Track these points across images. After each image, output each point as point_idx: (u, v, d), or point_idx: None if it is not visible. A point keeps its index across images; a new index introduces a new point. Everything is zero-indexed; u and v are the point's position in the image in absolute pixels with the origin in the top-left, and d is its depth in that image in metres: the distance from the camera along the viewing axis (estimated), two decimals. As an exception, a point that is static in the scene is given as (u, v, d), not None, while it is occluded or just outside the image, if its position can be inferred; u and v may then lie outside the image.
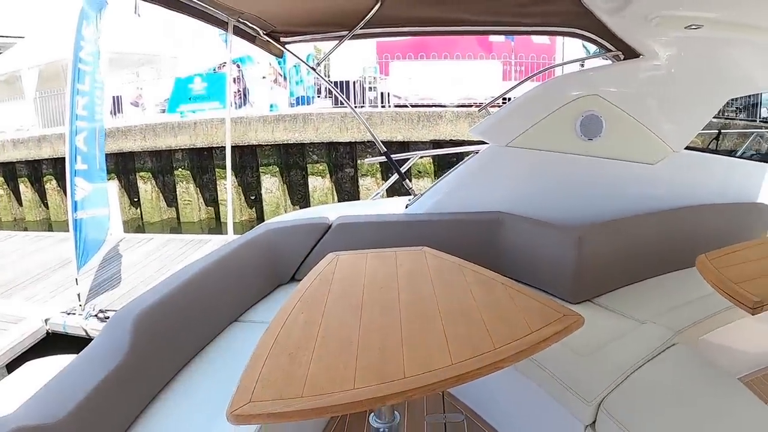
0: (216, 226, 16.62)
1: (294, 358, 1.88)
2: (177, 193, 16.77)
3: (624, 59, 4.01)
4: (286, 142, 15.52)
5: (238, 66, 18.10)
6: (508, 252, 4.01)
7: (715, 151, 7.93)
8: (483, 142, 4.26)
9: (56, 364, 2.54)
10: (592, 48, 4.49)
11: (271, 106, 18.31)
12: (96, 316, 6.93)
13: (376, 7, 3.58)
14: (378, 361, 1.85)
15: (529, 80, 5.87)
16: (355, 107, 16.27)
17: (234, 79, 17.77)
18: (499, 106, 4.63)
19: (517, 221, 4.03)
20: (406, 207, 4.42)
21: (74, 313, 7.07)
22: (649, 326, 3.24)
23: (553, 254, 3.77)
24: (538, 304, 2.29)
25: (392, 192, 5.21)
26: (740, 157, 6.80)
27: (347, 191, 16.25)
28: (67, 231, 7.69)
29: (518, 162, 4.11)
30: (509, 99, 4.85)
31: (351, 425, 3.33)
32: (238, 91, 18.33)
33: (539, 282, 3.69)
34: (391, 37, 4.35)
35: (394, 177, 4.90)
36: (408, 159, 5.04)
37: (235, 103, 17.90)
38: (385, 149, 4.67)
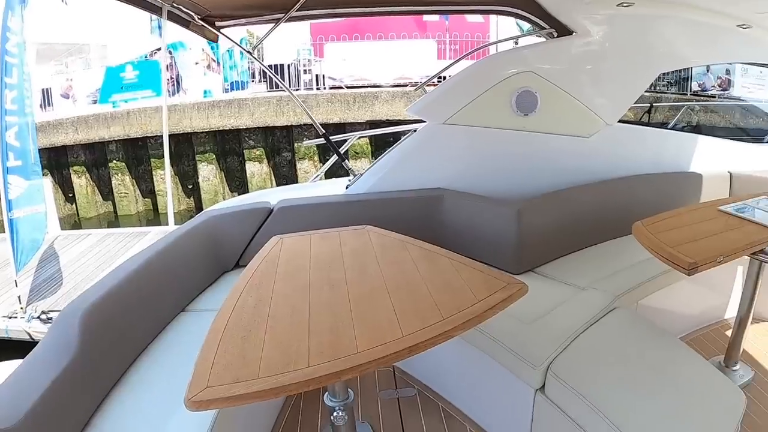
0: (154, 217, 16.32)
1: (247, 340, 1.89)
2: (112, 186, 16.37)
3: (557, 37, 4.10)
4: (221, 128, 15.33)
5: (171, 52, 17.73)
6: (450, 227, 4.08)
7: (648, 124, 8.17)
8: (420, 121, 4.31)
9: (2, 370, 2.47)
10: (526, 26, 4.56)
11: (205, 92, 18.04)
12: (39, 318, 6.71)
13: None
14: (330, 338, 1.87)
15: (465, 58, 5.94)
16: (291, 90, 16.14)
17: (167, 66, 17.39)
18: (435, 85, 4.67)
19: (458, 197, 4.10)
20: (347, 188, 4.43)
21: (16, 317, 6.83)
22: (590, 292, 3.37)
23: (495, 228, 3.86)
24: (482, 274, 2.36)
25: (330, 174, 5.22)
26: (672, 129, 7.04)
27: (285, 175, 16.16)
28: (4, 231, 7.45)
29: (456, 139, 4.18)
30: (445, 78, 4.88)
31: (306, 406, 3.36)
32: (171, 78, 17.96)
33: (482, 255, 3.76)
34: (327, 18, 4.32)
35: (334, 158, 4.91)
36: (346, 140, 5.05)
37: (169, 90, 17.54)
38: (324, 131, 4.66)
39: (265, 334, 1.92)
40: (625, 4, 3.84)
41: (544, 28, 4.13)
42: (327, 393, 2.31)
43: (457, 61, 5.41)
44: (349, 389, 2.34)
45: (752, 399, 3.35)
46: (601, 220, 4.28)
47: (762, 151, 5.44)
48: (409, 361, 1.85)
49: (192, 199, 16.51)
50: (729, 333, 3.75)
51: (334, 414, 2.31)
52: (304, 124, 15.11)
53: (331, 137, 4.72)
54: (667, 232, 3.14)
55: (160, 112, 14.49)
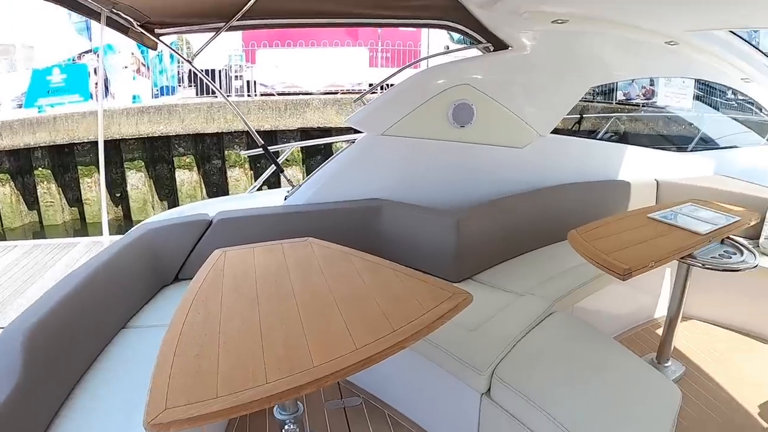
0: (82, 227, 15.81)
1: (201, 357, 1.87)
2: (38, 194, 15.80)
3: (494, 50, 4.22)
4: (151, 135, 14.97)
5: (98, 55, 17.26)
6: (388, 237, 4.13)
7: (578, 133, 8.45)
8: (354, 130, 4.37)
9: None
10: (458, 36, 4.67)
11: (134, 97, 17.60)
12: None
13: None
14: (285, 352, 1.89)
15: (408, 68, 6.01)
16: (221, 91, 15.93)
17: (94, 70, 16.95)
18: (375, 93, 4.74)
19: (396, 207, 4.16)
20: (285, 199, 4.42)
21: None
22: (529, 298, 3.49)
23: (434, 237, 3.94)
24: (426, 285, 2.44)
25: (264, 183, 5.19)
26: (600, 138, 7.30)
27: (216, 183, 15.93)
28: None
29: (394, 150, 4.25)
30: (385, 87, 4.96)
31: (253, 420, 3.34)
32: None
33: (422, 264, 3.84)
34: (267, 28, 4.33)
35: (271, 169, 4.89)
36: (283, 150, 5.04)
37: (96, 94, 17.08)
38: (263, 141, 4.65)
39: (218, 351, 1.91)
40: (559, 21, 4.00)
41: (481, 42, 4.23)
42: (276, 407, 2.31)
43: (400, 71, 5.47)
44: (297, 401, 2.35)
45: (685, 393, 3.52)
46: (536, 228, 4.43)
47: (686, 159, 5.74)
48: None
49: (120, 207, 16.08)
50: (660, 331, 3.95)
51: (285, 427, 2.31)
52: (235, 132, 14.94)
53: (269, 147, 4.71)
54: (601, 239, 3.29)
55: (87, 118, 14.11)
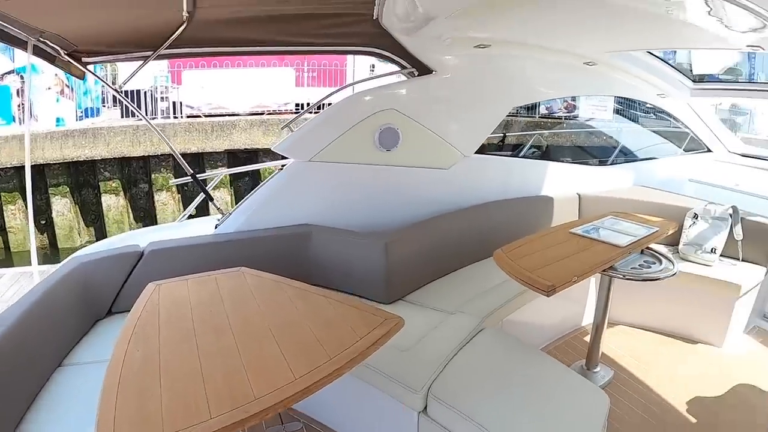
0: (6, 257, 15.25)
1: (143, 395, 1.89)
2: (-42, 223, 15.24)
3: (418, 75, 4.34)
4: (76, 159, 14.59)
5: (21, 76, 16.74)
6: (320, 262, 4.16)
7: (503, 150, 8.67)
8: (284, 157, 4.41)
9: None
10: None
11: (58, 119, 17.10)
12: None
13: (182, 28, 3.61)
14: (225, 386, 1.93)
15: (329, 94, 6.07)
16: (148, 119, 15.65)
17: (17, 91, 16.42)
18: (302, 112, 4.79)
19: (326, 232, 4.21)
20: (216, 227, 4.40)
21: None
22: (459, 316, 3.61)
23: (363, 261, 4.01)
24: (358, 311, 2.53)
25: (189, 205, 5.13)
26: (524, 155, 7.53)
27: (143, 208, 15.62)
28: None
29: (322, 175, 4.31)
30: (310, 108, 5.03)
31: None
32: (22, 104, 16.95)
33: (353, 287, 3.91)
34: (196, 56, 4.33)
35: (200, 198, 4.86)
36: (213, 178, 5.01)
37: (19, 118, 16.53)
38: (192, 171, 4.61)
39: (161, 388, 1.93)
40: (482, 46, 4.16)
41: (406, 67, 4.35)
42: None
43: (329, 96, 5.54)
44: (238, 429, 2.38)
45: (616, 396, 3.75)
46: (463, 246, 4.56)
47: (606, 172, 5.99)
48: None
49: (46, 235, 15.58)
50: (587, 338, 4.11)
51: None
52: (162, 155, 14.70)
53: (197, 173, 4.68)
54: (526, 257, 3.43)
55: (10, 142, 13.67)
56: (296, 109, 17.53)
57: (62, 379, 3.04)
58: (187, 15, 3.49)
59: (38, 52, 3.71)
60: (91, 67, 4.17)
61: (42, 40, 3.58)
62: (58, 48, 3.79)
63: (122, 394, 1.90)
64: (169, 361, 2.13)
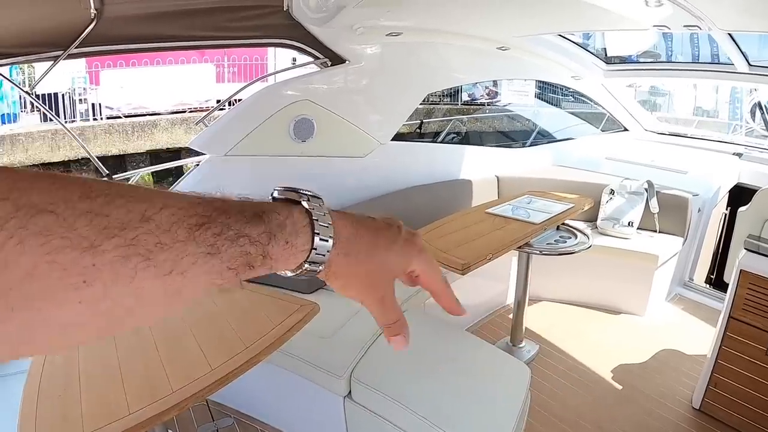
0: None
1: (64, 399, 1.88)
2: None
3: (331, 65, 4.35)
4: (-8, 168, 14.12)
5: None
6: None
7: (423, 138, 8.76)
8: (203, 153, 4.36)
9: None
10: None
11: (-29, 128, 16.51)
12: None
13: (92, 26, 3.52)
14: (144, 382, 1.93)
15: (245, 85, 6.04)
16: (67, 121, 15.16)
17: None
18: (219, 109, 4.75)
19: None
20: None
21: None
22: None
23: None
24: (274, 299, 2.55)
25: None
26: (442, 141, 7.62)
27: (66, 214, 15.22)
28: None
29: (239, 170, 4.28)
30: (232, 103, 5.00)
31: None
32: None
33: (274, 280, 3.91)
34: (109, 54, 4.23)
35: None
36: (129, 178, 4.94)
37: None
38: (107, 171, 4.52)
39: (80, 390, 1.92)
40: (393, 34, 4.20)
41: (319, 58, 4.36)
42: None
43: (245, 87, 5.49)
44: (168, 429, 2.38)
45: (541, 369, 3.89)
46: None
47: (525, 154, 6.15)
48: (221, 392, 1.92)
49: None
50: (512, 316, 4.20)
51: None
52: (83, 159, 14.34)
53: (114, 176, 4.59)
54: (442, 238, 3.50)
55: None
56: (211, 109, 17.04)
57: None
58: (95, 12, 3.44)
59: None
60: (3, 69, 4.05)
61: None
62: None
63: (43, 399, 1.89)
64: (89, 362, 2.11)
